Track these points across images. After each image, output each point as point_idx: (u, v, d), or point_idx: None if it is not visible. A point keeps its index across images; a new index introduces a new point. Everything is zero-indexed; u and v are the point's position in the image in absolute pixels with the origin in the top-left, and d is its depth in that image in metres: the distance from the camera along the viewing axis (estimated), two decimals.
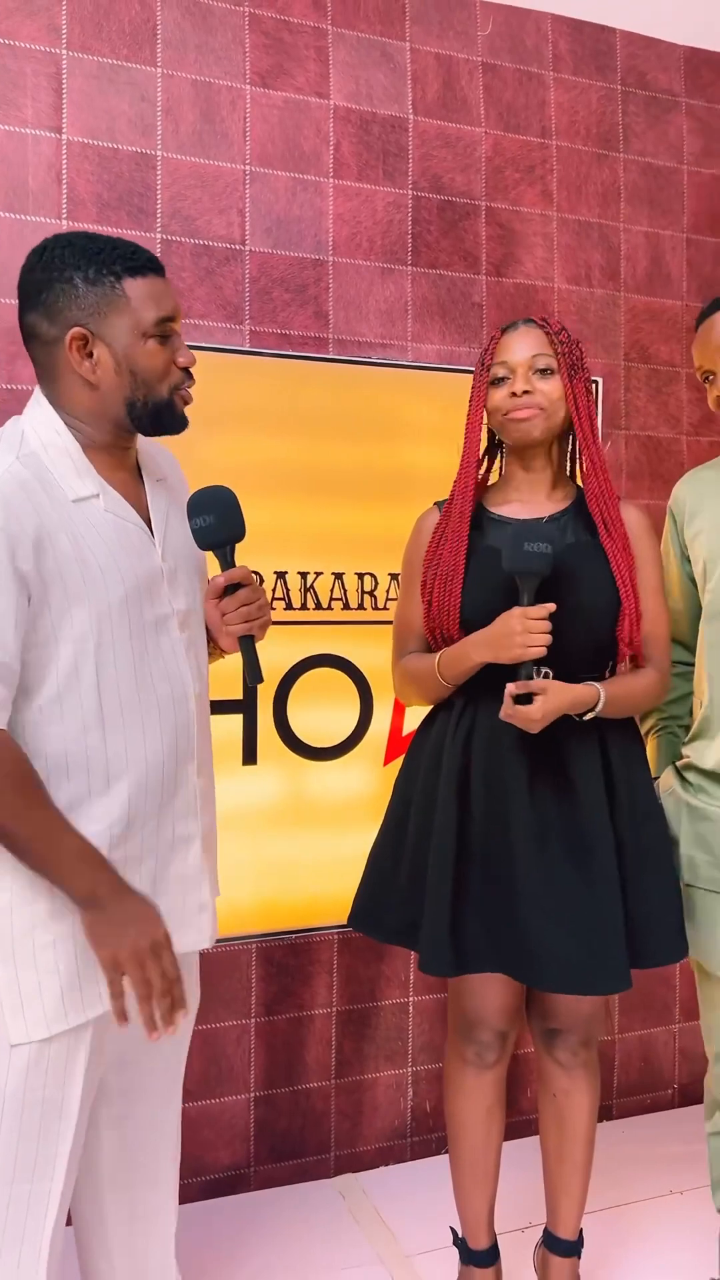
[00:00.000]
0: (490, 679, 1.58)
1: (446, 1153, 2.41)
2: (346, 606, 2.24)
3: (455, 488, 1.69)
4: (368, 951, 2.31)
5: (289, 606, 2.17)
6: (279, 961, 2.23)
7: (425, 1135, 2.38)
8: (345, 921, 1.79)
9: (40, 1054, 1.28)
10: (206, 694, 1.47)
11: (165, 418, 1.36)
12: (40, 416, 1.35)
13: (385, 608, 2.26)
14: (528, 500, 1.69)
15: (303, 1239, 2.09)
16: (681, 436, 2.55)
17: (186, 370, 1.36)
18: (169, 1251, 1.54)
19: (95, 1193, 1.48)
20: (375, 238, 2.26)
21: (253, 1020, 2.21)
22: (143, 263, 1.31)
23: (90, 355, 1.31)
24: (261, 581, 1.42)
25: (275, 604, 2.13)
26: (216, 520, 1.37)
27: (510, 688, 1.52)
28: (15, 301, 1.94)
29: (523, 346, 1.61)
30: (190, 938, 1.41)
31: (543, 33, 2.40)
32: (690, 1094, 2.63)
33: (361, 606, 2.25)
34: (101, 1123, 1.45)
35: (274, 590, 2.15)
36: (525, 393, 1.60)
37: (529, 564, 1.52)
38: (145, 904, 1.27)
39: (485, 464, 1.74)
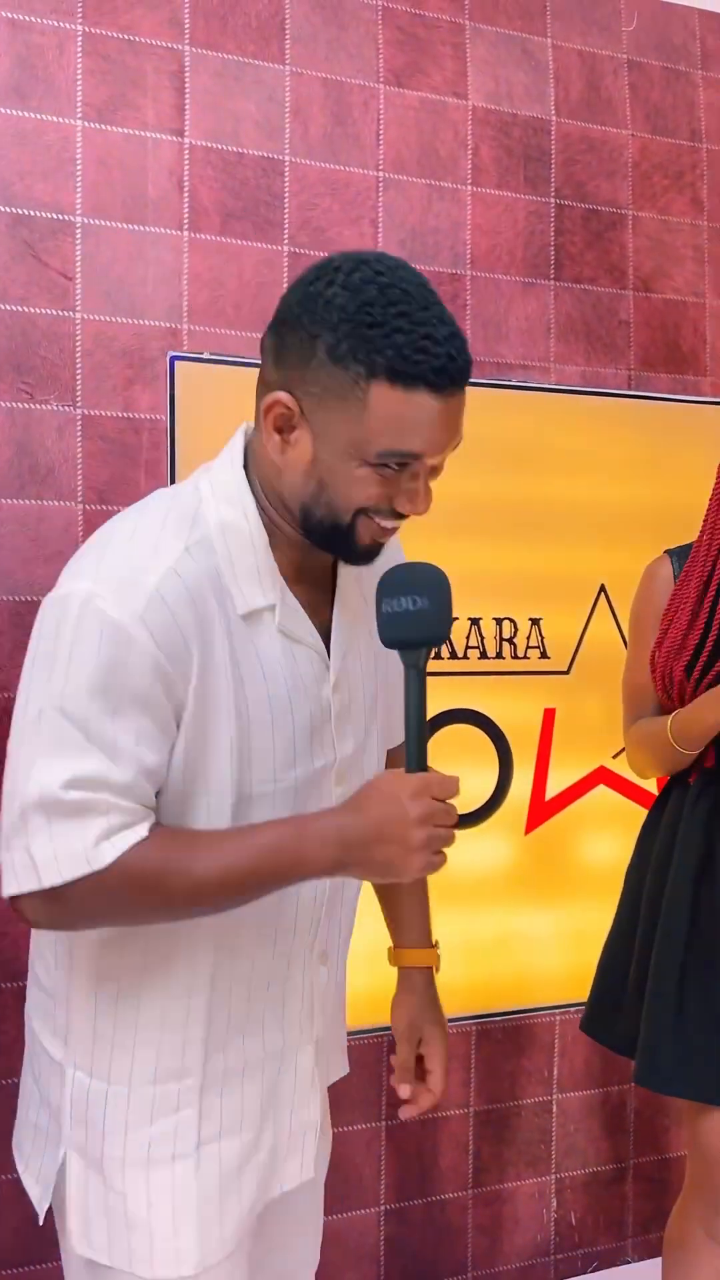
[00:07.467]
0: None
1: (594, 1270, 2.15)
2: (484, 655, 2.02)
3: (700, 543, 1.47)
4: (506, 1044, 2.06)
5: None
6: None
7: (570, 1252, 2.11)
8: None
9: None
10: None
11: (337, 543, 1.01)
12: (231, 486, 1.02)
13: (525, 656, 2.04)
14: None
15: None
16: None
17: (398, 513, 0.99)
18: None
19: None
20: (516, 250, 2.06)
21: (383, 1123, 1.97)
22: (423, 372, 0.91)
23: (281, 431, 0.96)
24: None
25: None
26: (430, 605, 0.98)
27: None
28: (136, 321, 1.79)
29: None
30: (292, 1168, 1.13)
31: (690, 29, 2.21)
32: None
33: (500, 655, 2.02)
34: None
35: None
36: None
37: None
38: (349, 813, 0.97)
39: None
